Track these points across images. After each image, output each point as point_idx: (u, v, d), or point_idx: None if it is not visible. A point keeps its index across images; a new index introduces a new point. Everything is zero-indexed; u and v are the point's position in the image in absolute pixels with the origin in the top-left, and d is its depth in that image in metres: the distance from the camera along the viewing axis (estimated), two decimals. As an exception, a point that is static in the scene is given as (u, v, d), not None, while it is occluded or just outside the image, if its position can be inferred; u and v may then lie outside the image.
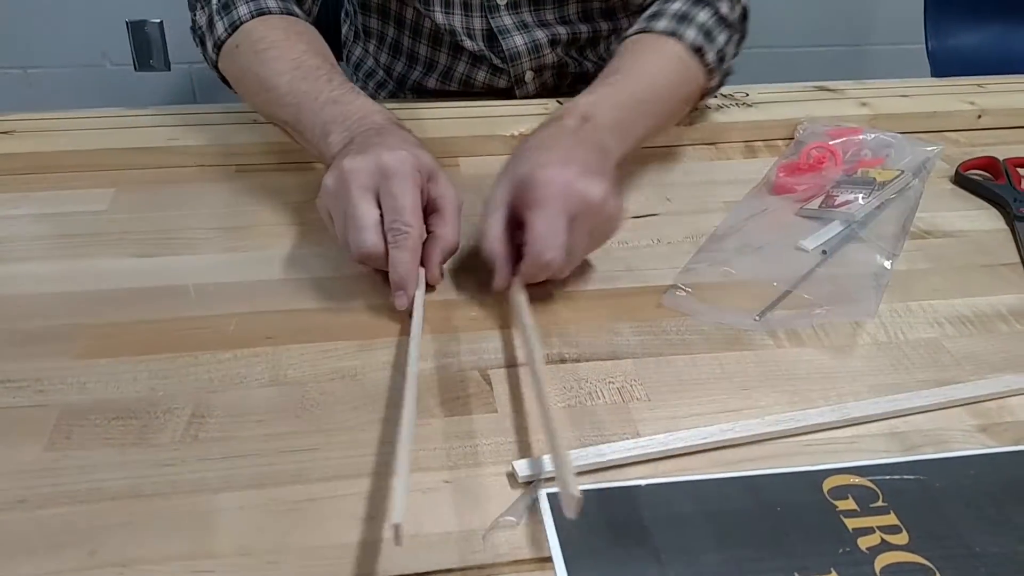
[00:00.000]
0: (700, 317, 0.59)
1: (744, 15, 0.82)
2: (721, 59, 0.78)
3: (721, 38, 0.77)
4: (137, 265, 0.65)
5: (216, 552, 0.43)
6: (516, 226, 0.59)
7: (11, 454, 0.48)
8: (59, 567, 0.42)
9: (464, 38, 0.92)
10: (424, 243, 0.60)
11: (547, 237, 0.56)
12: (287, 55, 0.72)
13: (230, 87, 0.80)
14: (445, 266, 0.63)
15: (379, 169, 0.58)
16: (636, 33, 0.77)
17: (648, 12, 0.79)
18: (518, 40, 0.92)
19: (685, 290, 0.61)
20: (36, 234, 0.70)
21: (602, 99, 0.68)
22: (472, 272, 0.65)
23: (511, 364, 0.56)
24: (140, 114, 0.85)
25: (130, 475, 0.47)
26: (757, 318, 0.59)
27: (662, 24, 0.76)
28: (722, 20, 0.78)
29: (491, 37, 0.92)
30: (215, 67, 0.80)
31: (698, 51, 0.76)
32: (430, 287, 0.61)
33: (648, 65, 0.74)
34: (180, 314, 0.60)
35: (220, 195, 0.76)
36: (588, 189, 0.57)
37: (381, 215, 0.58)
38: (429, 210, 0.62)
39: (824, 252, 0.66)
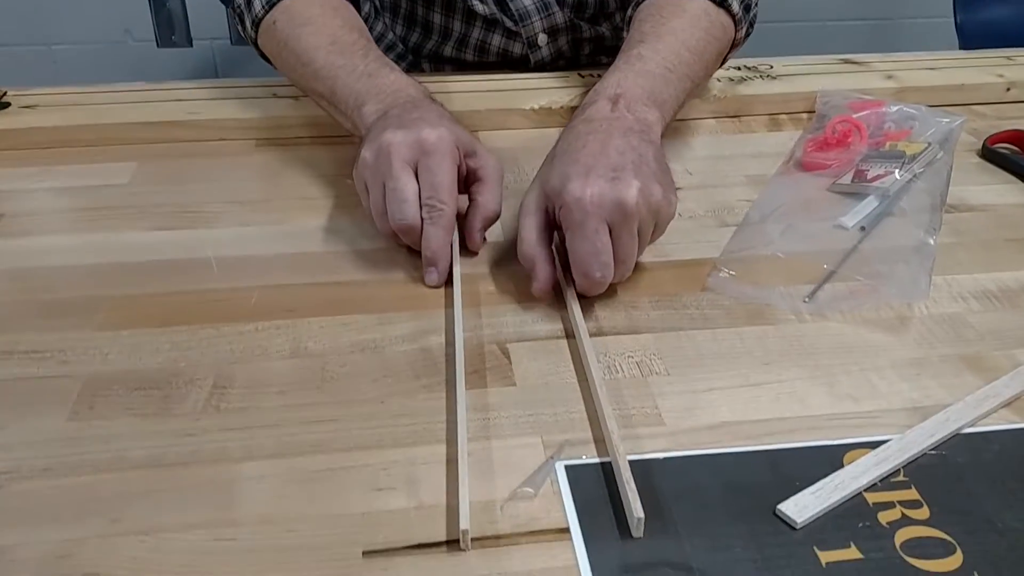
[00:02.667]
0: (747, 299, 0.58)
1: None
2: (747, 7, 0.76)
3: None
4: (159, 238, 0.66)
5: (237, 520, 0.43)
6: (551, 228, 0.59)
7: (35, 424, 0.49)
8: (83, 534, 0.42)
9: (475, 1, 0.91)
10: (466, 211, 0.62)
11: (591, 256, 0.55)
12: (323, 30, 0.73)
13: (270, 62, 0.81)
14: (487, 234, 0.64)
15: (419, 144, 0.59)
16: None
17: None
18: (527, 0, 0.91)
19: (730, 272, 0.60)
20: (58, 207, 0.70)
21: (630, 74, 0.66)
22: (494, 248, 0.65)
23: (530, 338, 0.55)
24: (161, 88, 0.85)
25: (152, 445, 0.47)
26: (807, 300, 0.58)
27: None
28: None
29: (501, 1, 0.92)
30: (254, 43, 0.80)
31: (722, 3, 0.74)
32: (472, 253, 0.63)
33: (673, 28, 0.71)
34: (201, 286, 0.60)
35: (241, 169, 0.76)
36: (621, 196, 0.54)
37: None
38: (471, 180, 0.63)
39: (863, 228, 0.65)
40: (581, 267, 0.55)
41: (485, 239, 0.64)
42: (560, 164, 0.58)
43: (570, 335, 0.56)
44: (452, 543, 0.42)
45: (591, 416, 0.49)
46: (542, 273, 0.57)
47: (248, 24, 0.79)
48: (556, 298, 0.58)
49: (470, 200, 0.63)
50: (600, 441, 0.47)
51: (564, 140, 0.61)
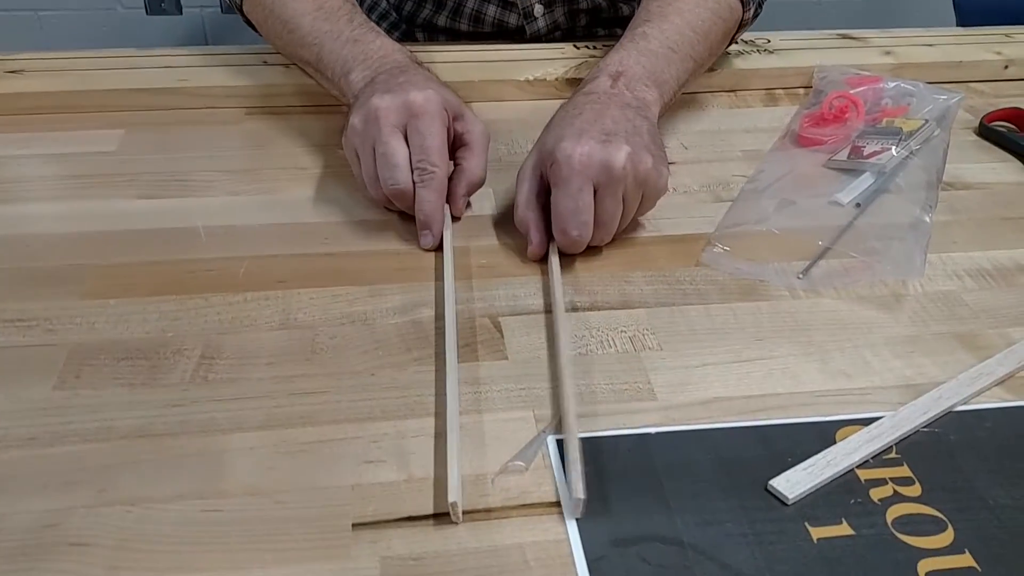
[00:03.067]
0: (741, 275, 0.58)
1: None
2: None
3: None
4: (146, 206, 0.65)
5: (225, 492, 0.43)
6: (546, 193, 0.59)
7: (21, 392, 0.48)
8: (68, 505, 0.42)
9: None
10: (450, 176, 0.61)
11: (571, 213, 0.56)
12: None
13: (256, 31, 0.79)
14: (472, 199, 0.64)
15: (407, 107, 0.59)
16: None
17: None
18: None
19: (723, 248, 0.60)
20: (45, 174, 0.69)
21: (632, 52, 0.66)
22: (485, 221, 0.64)
23: (522, 312, 0.55)
24: (150, 55, 0.84)
25: (140, 415, 0.47)
26: (800, 276, 0.58)
27: None
28: None
29: None
30: (240, 11, 0.79)
31: None
32: (455, 218, 0.62)
33: (679, 7, 0.70)
34: (190, 256, 0.59)
35: (230, 137, 0.75)
36: (609, 156, 0.55)
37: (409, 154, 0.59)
38: (457, 145, 0.63)
39: (858, 205, 0.65)
40: (560, 223, 0.57)
41: (469, 204, 0.64)
42: (556, 128, 0.59)
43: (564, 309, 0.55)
44: (442, 516, 0.42)
45: (583, 390, 0.49)
46: (535, 237, 0.58)
47: None
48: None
49: (455, 165, 0.63)
50: (591, 416, 0.47)
51: (562, 109, 0.62)
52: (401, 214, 0.62)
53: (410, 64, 0.66)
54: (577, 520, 0.41)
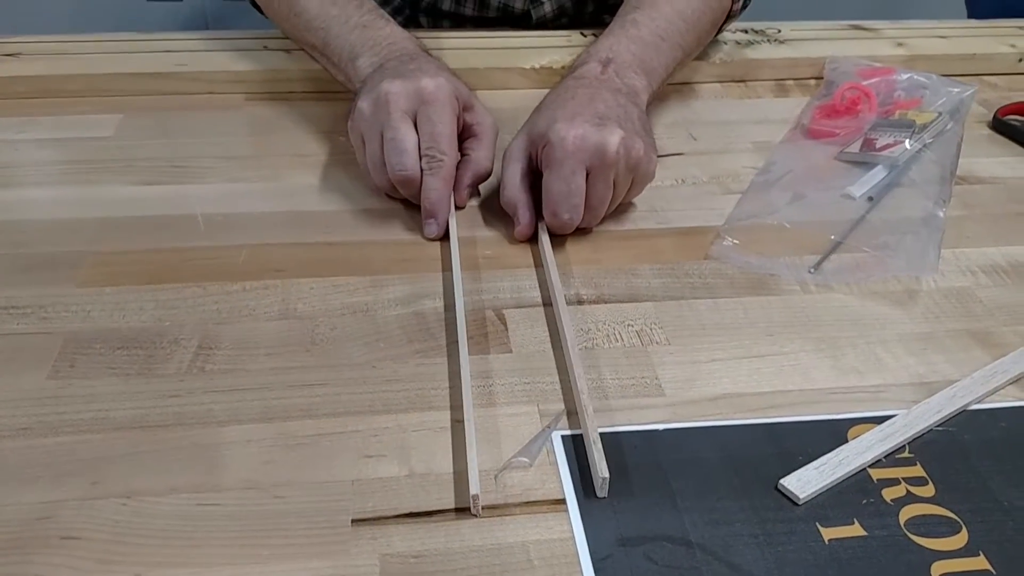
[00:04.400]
0: (751, 268, 0.57)
1: None
2: None
3: None
4: (144, 193, 0.64)
5: (222, 485, 0.42)
6: (536, 176, 0.59)
7: (14, 381, 0.47)
8: (62, 496, 0.41)
9: None
10: (458, 166, 0.61)
11: (562, 196, 0.56)
12: None
13: (262, 12, 0.79)
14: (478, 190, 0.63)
15: (418, 94, 0.58)
16: None
17: None
18: None
19: (733, 240, 0.59)
20: (41, 159, 0.68)
21: (622, 39, 0.66)
22: (489, 211, 0.63)
23: (527, 304, 0.54)
24: (148, 39, 0.82)
25: (135, 405, 0.46)
26: (812, 270, 0.57)
27: None
28: None
29: None
30: None
31: None
32: (458, 208, 0.62)
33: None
34: (188, 244, 0.58)
35: (229, 123, 0.73)
36: (603, 140, 0.55)
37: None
38: (465, 135, 0.62)
39: (871, 199, 0.63)
40: (552, 206, 0.56)
41: (479, 194, 0.63)
42: (547, 110, 0.59)
43: (569, 302, 0.54)
44: (442, 512, 0.41)
45: (589, 385, 0.48)
46: (524, 217, 0.58)
47: None
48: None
49: (462, 155, 0.62)
50: (597, 412, 0.46)
51: (553, 93, 0.62)
52: (405, 203, 0.61)
53: (420, 52, 0.65)
54: (582, 518, 0.40)
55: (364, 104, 0.59)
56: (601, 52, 0.64)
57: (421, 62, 0.62)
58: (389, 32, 0.67)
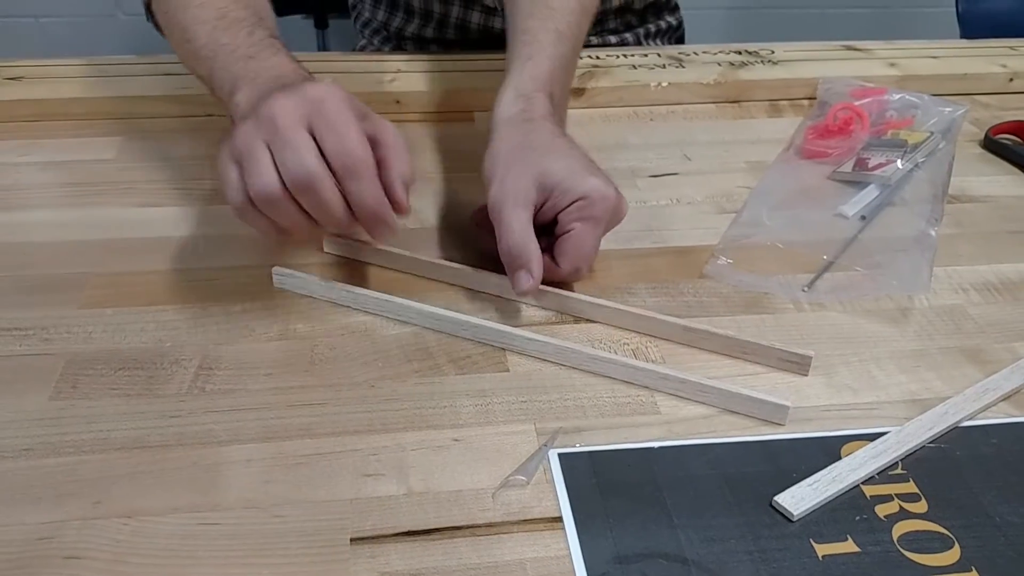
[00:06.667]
0: (745, 287, 0.58)
1: None
2: None
3: None
4: (145, 215, 0.64)
5: (222, 505, 0.42)
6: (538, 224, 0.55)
7: (17, 402, 0.47)
8: (64, 517, 0.41)
9: None
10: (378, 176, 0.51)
11: (592, 252, 0.55)
12: (214, 3, 0.63)
13: (165, 36, 0.71)
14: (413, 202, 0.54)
15: (307, 100, 0.48)
16: None
17: None
18: None
19: (728, 260, 0.59)
20: (43, 182, 0.69)
21: (547, 69, 0.62)
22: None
23: (524, 323, 0.54)
24: (149, 62, 0.83)
25: (136, 426, 0.46)
26: (806, 289, 0.57)
27: None
28: None
29: None
30: (148, 10, 0.72)
31: None
32: (399, 215, 0.52)
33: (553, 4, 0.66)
34: (188, 265, 0.59)
35: (231, 146, 0.74)
36: (621, 203, 0.55)
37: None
38: (371, 145, 0.51)
39: (863, 218, 0.64)
40: (579, 261, 0.55)
41: (407, 204, 0.52)
42: (558, 158, 0.55)
43: (566, 321, 0.55)
44: (441, 530, 0.41)
45: (585, 403, 0.48)
46: (536, 271, 0.53)
47: None
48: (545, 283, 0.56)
49: (378, 166, 0.50)
50: (593, 429, 0.46)
51: (538, 134, 0.57)
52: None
53: (307, 78, 0.56)
54: (579, 536, 0.41)
55: (242, 127, 0.49)
56: (534, 87, 0.61)
57: (306, 81, 0.53)
58: (275, 64, 0.57)
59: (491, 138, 0.59)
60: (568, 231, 0.54)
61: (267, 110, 0.48)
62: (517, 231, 0.53)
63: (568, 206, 0.54)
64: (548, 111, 0.60)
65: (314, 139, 0.48)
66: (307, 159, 0.47)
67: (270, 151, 0.48)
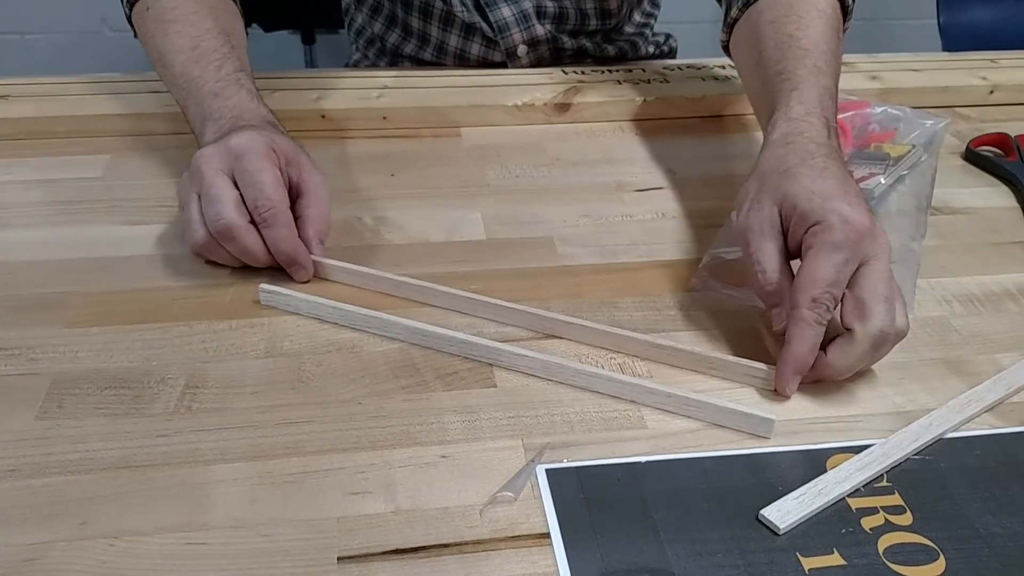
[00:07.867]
0: (732, 300, 0.58)
1: None
2: None
3: None
4: (131, 233, 0.64)
5: (209, 524, 0.42)
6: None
7: (2, 423, 0.47)
8: (50, 537, 0.41)
9: (456, 2, 0.90)
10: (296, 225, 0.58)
11: (822, 284, 0.48)
12: (190, 31, 0.68)
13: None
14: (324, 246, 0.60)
15: (229, 151, 0.56)
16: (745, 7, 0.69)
17: None
18: (505, 12, 0.91)
19: (714, 273, 0.60)
20: (29, 200, 0.69)
21: (815, 95, 0.60)
22: (478, 246, 0.63)
23: (511, 339, 0.55)
24: (136, 80, 0.83)
25: (122, 445, 0.46)
26: None
27: None
28: None
29: (480, 7, 0.91)
30: (129, 20, 0.74)
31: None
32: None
33: (810, 32, 0.64)
34: (175, 283, 0.59)
35: (217, 163, 0.74)
36: (877, 233, 0.50)
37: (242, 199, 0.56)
38: (294, 195, 0.59)
39: None
40: (808, 292, 0.49)
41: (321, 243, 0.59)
42: (798, 181, 0.52)
43: (550, 336, 0.55)
44: (428, 548, 0.41)
45: (572, 419, 0.48)
46: (779, 307, 0.51)
47: (124, 1, 0.74)
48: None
49: (295, 216, 0.58)
50: (580, 444, 0.47)
51: (792, 156, 0.55)
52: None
53: (256, 122, 0.61)
54: (566, 552, 0.41)
55: (183, 177, 0.59)
56: (820, 110, 0.58)
57: (246, 129, 0.59)
58: (235, 103, 0.63)
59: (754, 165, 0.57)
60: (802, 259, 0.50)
61: (196, 162, 0.57)
62: (770, 268, 0.51)
63: (805, 232, 0.50)
64: (820, 134, 0.56)
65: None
66: (224, 211, 0.55)
67: (199, 202, 0.56)
